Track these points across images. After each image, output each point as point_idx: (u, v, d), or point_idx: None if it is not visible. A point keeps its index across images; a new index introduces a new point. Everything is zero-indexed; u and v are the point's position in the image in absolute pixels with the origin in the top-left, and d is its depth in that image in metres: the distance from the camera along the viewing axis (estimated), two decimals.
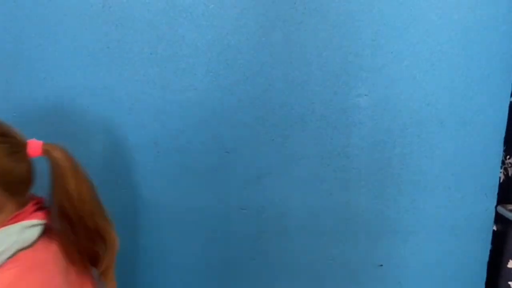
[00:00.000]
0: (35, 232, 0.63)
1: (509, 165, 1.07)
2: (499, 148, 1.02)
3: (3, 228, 0.61)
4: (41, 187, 0.66)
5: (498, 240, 1.08)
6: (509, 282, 1.05)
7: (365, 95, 0.97)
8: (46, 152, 0.64)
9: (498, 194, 1.04)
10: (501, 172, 1.05)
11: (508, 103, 1.01)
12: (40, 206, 0.66)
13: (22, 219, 0.62)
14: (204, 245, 1.05)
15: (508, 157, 1.07)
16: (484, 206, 1.04)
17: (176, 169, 1.00)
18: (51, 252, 0.64)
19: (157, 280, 1.07)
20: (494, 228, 1.06)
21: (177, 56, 0.95)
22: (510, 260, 1.05)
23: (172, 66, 0.96)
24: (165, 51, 0.95)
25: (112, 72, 0.95)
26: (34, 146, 0.64)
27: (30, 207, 0.64)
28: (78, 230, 0.66)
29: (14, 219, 0.62)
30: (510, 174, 1.07)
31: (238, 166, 1.01)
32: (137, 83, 0.95)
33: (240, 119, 0.98)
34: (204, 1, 0.94)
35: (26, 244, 0.61)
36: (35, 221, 0.63)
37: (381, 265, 1.06)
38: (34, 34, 0.93)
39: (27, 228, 0.62)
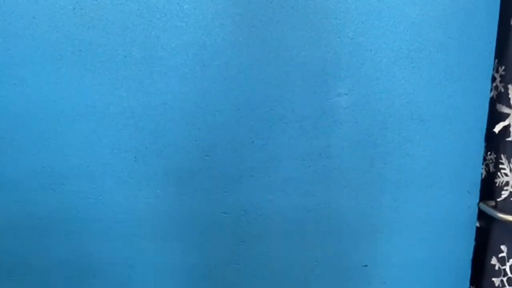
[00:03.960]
0: None
1: (491, 161, 1.07)
2: (480, 144, 1.02)
3: None
4: None
5: (481, 237, 1.08)
6: (493, 279, 1.05)
7: (345, 94, 0.96)
8: None
9: (480, 190, 1.03)
10: (482, 169, 1.05)
11: (488, 99, 1.01)
12: None
13: None
14: (185, 250, 1.03)
15: (489, 153, 1.06)
16: (466, 203, 1.03)
17: (155, 174, 0.98)
18: None
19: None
20: (477, 224, 1.06)
21: (152, 58, 0.93)
22: (494, 257, 1.05)
23: (147, 68, 0.93)
24: (139, 53, 0.93)
25: (85, 76, 0.92)
26: None
27: None
28: None
29: None
30: (491, 170, 1.07)
31: (218, 170, 0.99)
32: (111, 86, 0.92)
33: (219, 121, 0.96)
34: (178, 1, 0.92)
35: None
36: None
37: (366, 266, 1.05)
38: (2, 38, 0.90)
39: None
